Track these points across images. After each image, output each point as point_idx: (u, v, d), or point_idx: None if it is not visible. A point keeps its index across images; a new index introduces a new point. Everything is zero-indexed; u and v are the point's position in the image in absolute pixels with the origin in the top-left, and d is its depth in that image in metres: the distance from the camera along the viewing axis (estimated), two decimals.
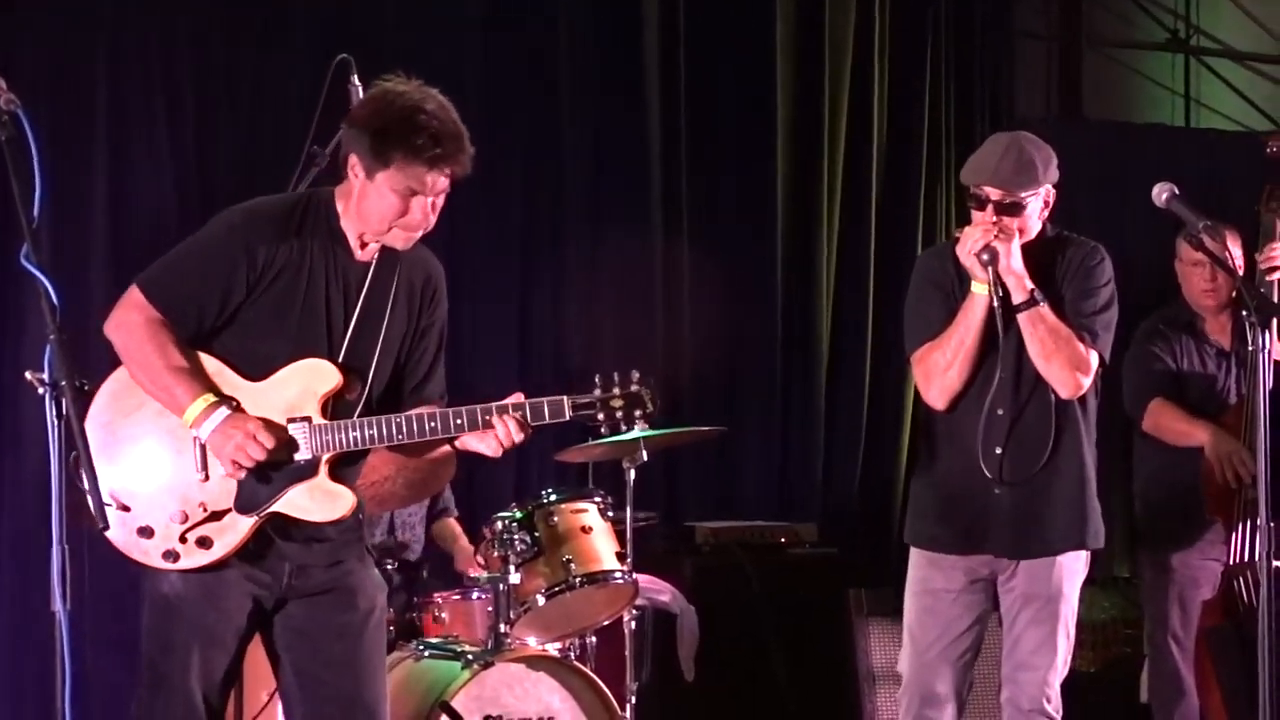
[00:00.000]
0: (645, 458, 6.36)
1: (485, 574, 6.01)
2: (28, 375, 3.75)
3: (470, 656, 5.70)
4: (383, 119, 4.14)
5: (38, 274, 3.70)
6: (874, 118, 8.57)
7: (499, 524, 5.98)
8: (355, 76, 4.99)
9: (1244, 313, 4.77)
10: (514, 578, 5.84)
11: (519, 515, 5.99)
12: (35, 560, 6.33)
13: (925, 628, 5.16)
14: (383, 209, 4.16)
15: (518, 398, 4.22)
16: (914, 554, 5.24)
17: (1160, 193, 4.78)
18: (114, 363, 4.26)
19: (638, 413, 4.27)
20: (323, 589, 4.30)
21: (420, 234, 4.24)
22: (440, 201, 4.20)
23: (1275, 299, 5.67)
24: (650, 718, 6.60)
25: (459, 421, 4.19)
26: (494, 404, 4.21)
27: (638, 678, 6.32)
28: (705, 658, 6.98)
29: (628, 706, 6.12)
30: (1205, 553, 6.27)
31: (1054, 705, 5.11)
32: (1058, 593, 5.08)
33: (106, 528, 3.77)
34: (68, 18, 6.92)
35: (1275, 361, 5.61)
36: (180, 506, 4.16)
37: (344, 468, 4.28)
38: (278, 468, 4.18)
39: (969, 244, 4.98)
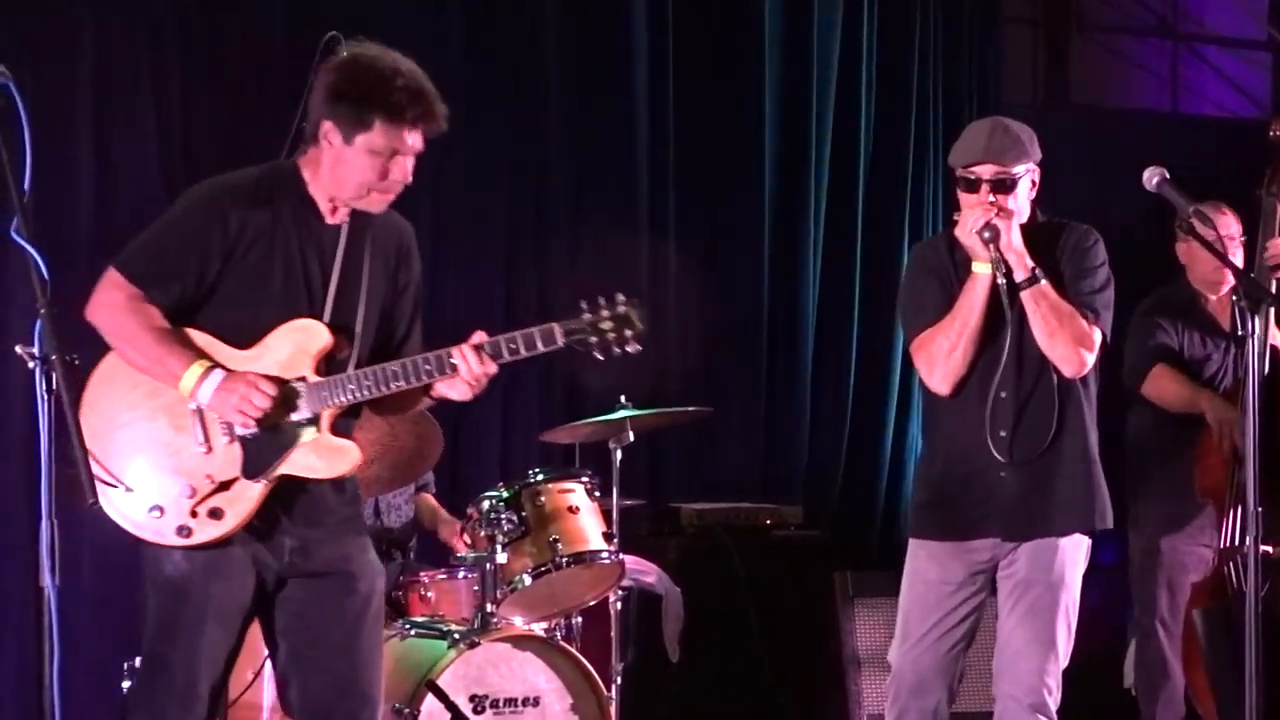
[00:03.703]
0: (631, 439, 6.38)
1: (472, 552, 6.01)
2: (18, 349, 3.73)
3: (456, 636, 5.70)
4: (359, 83, 4.16)
5: (28, 248, 3.69)
6: (862, 103, 8.56)
7: (486, 504, 5.98)
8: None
9: (1235, 298, 4.77)
10: (500, 557, 5.84)
11: (506, 495, 6.00)
12: (17, 536, 6.36)
13: (918, 618, 5.11)
14: (362, 171, 4.18)
15: (480, 336, 4.22)
16: (912, 544, 5.19)
17: (1151, 177, 4.77)
18: (102, 348, 4.23)
19: (628, 333, 4.24)
20: (323, 571, 4.28)
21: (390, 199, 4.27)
22: (412, 163, 4.23)
23: (1275, 289, 5.67)
24: (635, 698, 6.62)
25: (454, 361, 4.19)
26: (465, 345, 4.21)
27: (623, 658, 6.33)
28: (690, 639, 6.99)
29: (613, 686, 6.13)
30: (1195, 538, 6.28)
31: (1054, 698, 5.01)
32: (1059, 580, 5.01)
33: (95, 503, 3.76)
34: None
35: (1273, 347, 5.63)
36: (187, 481, 4.15)
37: (342, 425, 4.27)
38: (280, 429, 4.18)
39: (969, 223, 4.96)
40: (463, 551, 6.29)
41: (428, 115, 4.18)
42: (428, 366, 4.20)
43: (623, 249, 7.90)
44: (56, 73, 6.84)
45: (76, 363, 3.77)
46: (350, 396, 4.20)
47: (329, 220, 4.28)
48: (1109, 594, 7.29)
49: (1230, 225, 6.29)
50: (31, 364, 3.69)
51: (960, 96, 8.81)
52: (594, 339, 4.23)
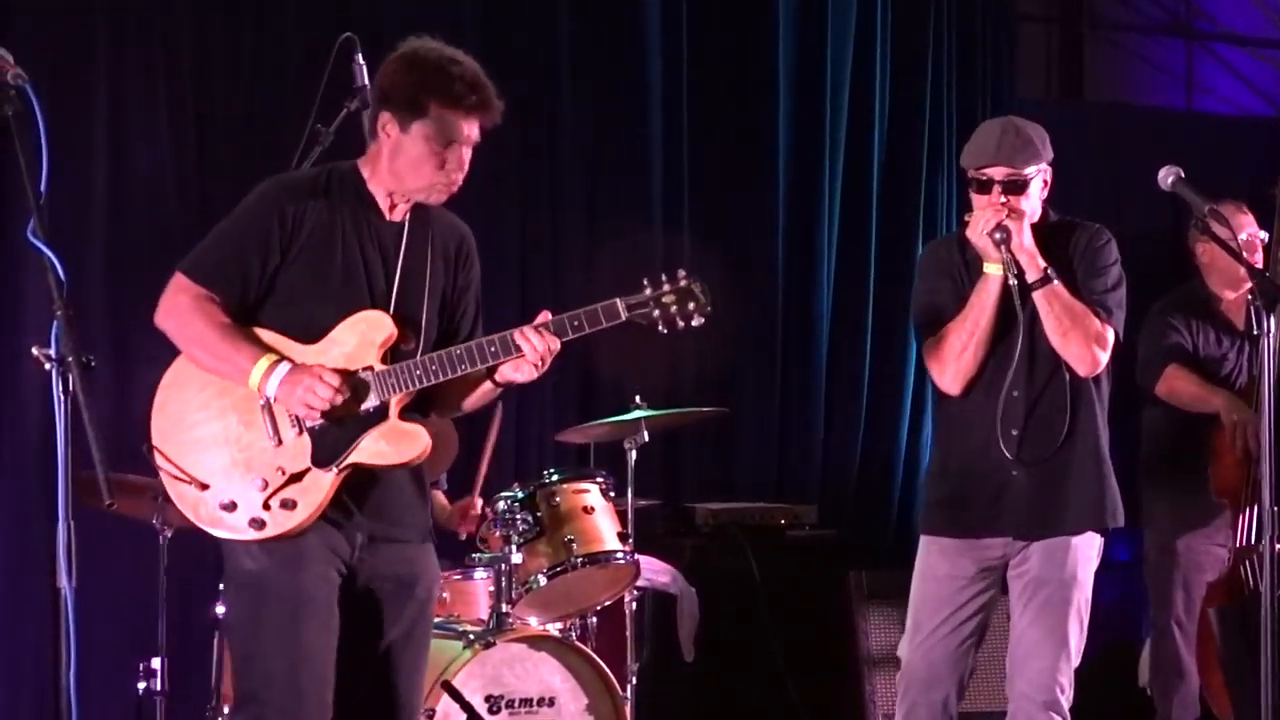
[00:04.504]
0: (646, 439, 6.38)
1: (487, 552, 6.02)
2: (34, 351, 3.73)
3: (472, 636, 5.70)
4: (417, 71, 4.19)
5: (45, 250, 3.69)
6: (876, 100, 8.55)
7: (501, 504, 5.99)
8: (359, 55, 4.98)
9: (1250, 297, 4.76)
10: (516, 557, 5.85)
11: (521, 495, 6.01)
12: (34, 535, 6.37)
13: (928, 613, 5.12)
14: (418, 160, 4.20)
15: (544, 316, 4.22)
16: (923, 540, 5.20)
17: (1166, 176, 4.77)
18: (173, 352, 4.29)
19: (692, 305, 4.26)
20: (387, 569, 4.29)
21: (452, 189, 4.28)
22: (469, 154, 4.24)
23: None
24: (650, 698, 6.63)
25: (519, 342, 4.20)
26: (528, 326, 4.21)
27: (638, 658, 6.34)
28: (705, 639, 6.98)
29: (628, 687, 6.13)
30: (1211, 537, 6.27)
31: (1067, 696, 5.02)
32: (1071, 578, 5.03)
33: (112, 504, 3.76)
34: None
35: None
36: (259, 475, 4.17)
37: (410, 412, 4.28)
38: (349, 418, 4.18)
39: (980, 225, 4.96)
40: (469, 533, 6.31)
41: (484, 104, 4.21)
42: (493, 348, 4.20)
43: (637, 248, 7.88)
44: (72, 75, 6.84)
45: (93, 364, 3.77)
46: (418, 381, 4.20)
47: (389, 217, 4.30)
48: (1124, 592, 7.29)
49: (1252, 224, 6.29)
50: (48, 366, 3.69)
51: (974, 94, 8.80)
52: (657, 312, 4.24)
